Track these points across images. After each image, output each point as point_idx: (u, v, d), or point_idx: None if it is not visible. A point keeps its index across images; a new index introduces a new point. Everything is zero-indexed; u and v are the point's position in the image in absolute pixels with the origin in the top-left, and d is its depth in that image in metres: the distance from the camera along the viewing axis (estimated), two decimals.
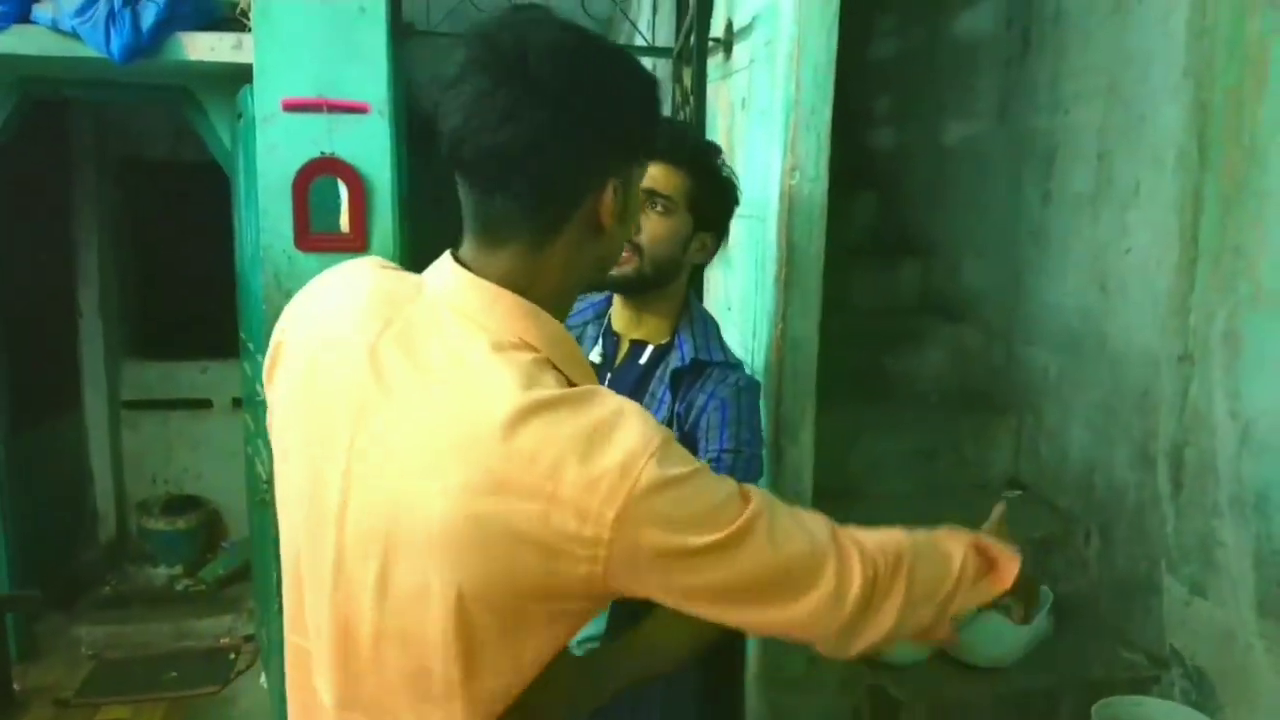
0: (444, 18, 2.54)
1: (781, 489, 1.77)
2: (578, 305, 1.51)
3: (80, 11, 2.49)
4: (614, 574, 0.76)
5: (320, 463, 0.83)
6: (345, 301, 0.88)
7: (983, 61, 2.81)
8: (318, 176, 2.48)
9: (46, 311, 4.20)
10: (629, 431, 0.76)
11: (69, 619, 3.84)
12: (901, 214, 3.29)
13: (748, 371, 1.49)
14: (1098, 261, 2.26)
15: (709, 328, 1.48)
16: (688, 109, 2.33)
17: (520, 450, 0.74)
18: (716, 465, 1.31)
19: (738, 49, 2.10)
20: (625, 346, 1.48)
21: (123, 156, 4.41)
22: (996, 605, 1.03)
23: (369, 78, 2.47)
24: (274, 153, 2.47)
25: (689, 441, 1.35)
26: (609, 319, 1.52)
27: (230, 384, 4.21)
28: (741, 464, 1.34)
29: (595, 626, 1.35)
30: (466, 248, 0.87)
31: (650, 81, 0.90)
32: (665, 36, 2.85)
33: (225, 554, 4.42)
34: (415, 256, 2.60)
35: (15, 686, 3.19)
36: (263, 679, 3.42)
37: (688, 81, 2.33)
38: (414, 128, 2.71)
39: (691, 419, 1.37)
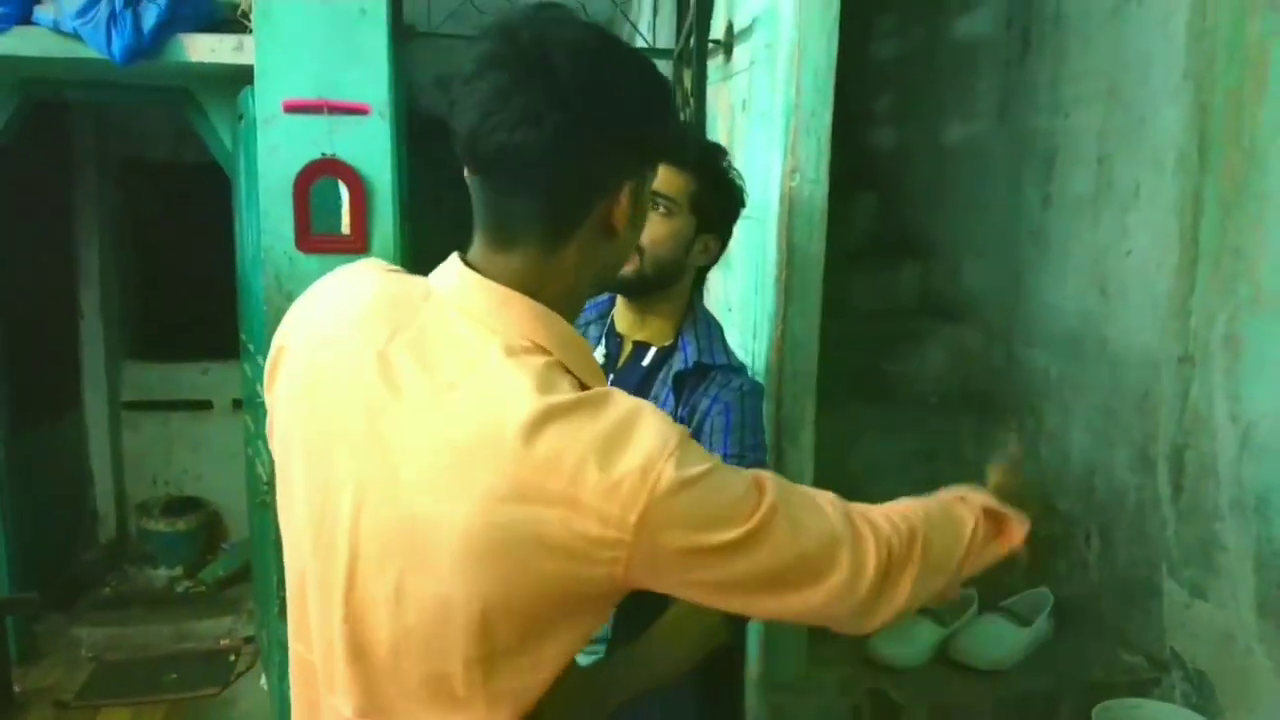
0: (445, 19, 2.54)
1: None
2: None
3: (81, 13, 2.49)
4: (634, 574, 0.76)
5: (328, 471, 0.82)
6: (349, 306, 0.87)
7: (982, 63, 2.81)
8: (318, 178, 2.48)
9: (47, 312, 4.21)
10: (647, 432, 0.76)
11: (69, 620, 3.84)
12: (901, 215, 3.29)
13: (750, 374, 1.49)
14: (1098, 263, 2.26)
15: (713, 331, 1.47)
16: (688, 111, 2.33)
17: (540, 457, 0.73)
18: None
19: (738, 51, 2.10)
20: (628, 348, 1.48)
21: (124, 158, 4.42)
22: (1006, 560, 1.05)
23: (370, 79, 2.47)
24: (275, 154, 2.47)
25: None
26: (612, 319, 1.51)
27: (231, 385, 4.21)
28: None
29: (602, 629, 1.35)
30: (476, 249, 0.87)
31: (666, 85, 0.91)
32: (666, 38, 2.85)
33: (225, 555, 4.42)
34: (416, 258, 2.61)
35: (15, 688, 3.19)
36: (263, 681, 3.42)
37: (688, 83, 2.33)
38: (414, 129, 2.71)
39: (695, 423, 1.37)
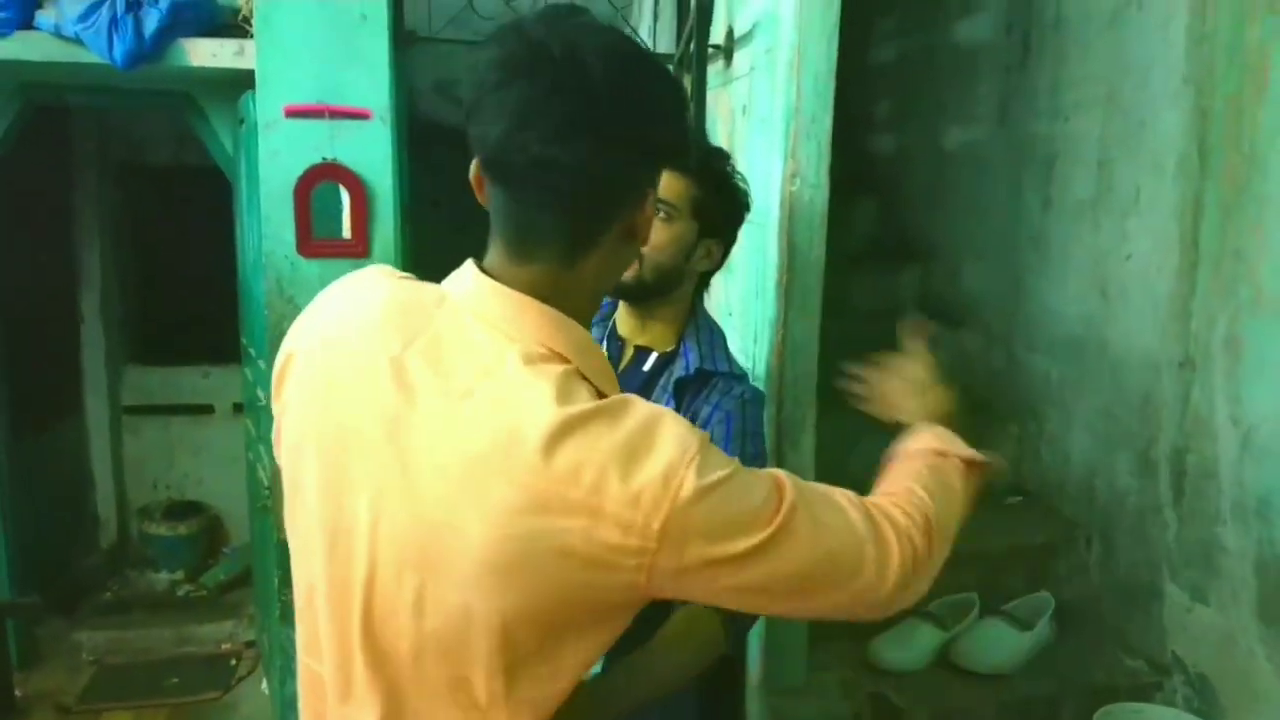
0: (445, 25, 2.54)
1: None
2: None
3: (83, 18, 2.50)
4: (656, 581, 0.76)
5: (344, 479, 0.81)
6: (360, 312, 0.86)
7: (983, 67, 2.81)
8: (319, 182, 2.48)
9: (48, 316, 4.21)
10: (667, 440, 0.75)
11: (70, 624, 3.83)
12: (902, 219, 3.30)
13: (751, 381, 1.49)
14: (1098, 267, 2.26)
15: (715, 337, 1.46)
16: (688, 116, 2.33)
17: (561, 469, 0.73)
18: None
19: (738, 56, 2.11)
20: (629, 352, 1.47)
21: (124, 162, 4.42)
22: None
23: (371, 84, 2.48)
24: (276, 158, 2.47)
25: None
26: (614, 323, 1.51)
27: (232, 389, 4.21)
28: None
29: None
30: (493, 257, 0.85)
31: (683, 89, 0.91)
32: (666, 43, 2.86)
33: (226, 559, 4.41)
34: (417, 262, 2.61)
35: (17, 692, 3.19)
36: (264, 685, 3.41)
37: (688, 88, 2.33)
38: (415, 134, 2.72)
39: None
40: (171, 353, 4.54)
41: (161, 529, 4.34)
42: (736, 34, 2.11)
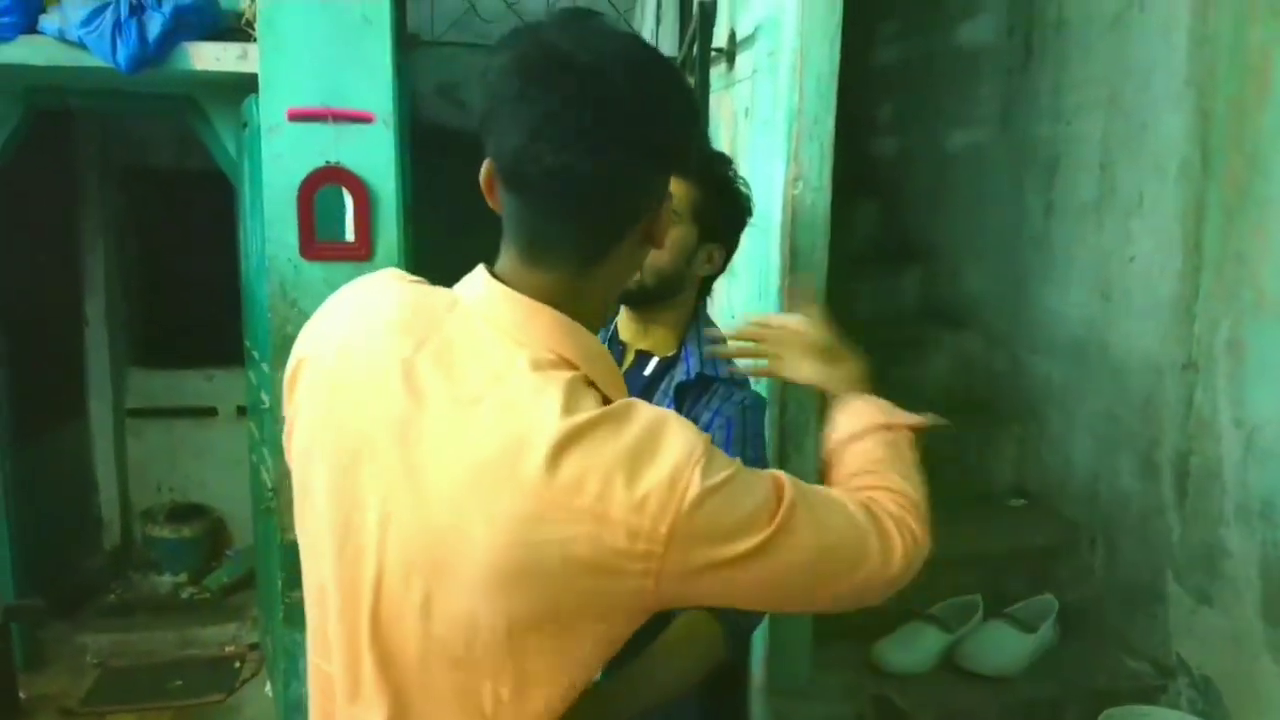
0: (448, 28, 2.55)
1: None
2: None
3: (87, 22, 2.51)
4: (665, 586, 0.76)
5: (353, 482, 0.81)
6: (371, 316, 0.86)
7: (985, 70, 2.81)
8: (323, 185, 2.49)
9: (52, 319, 4.22)
10: (672, 444, 0.76)
11: (74, 627, 3.84)
12: (904, 221, 3.30)
13: (752, 387, 1.49)
14: (1101, 270, 2.26)
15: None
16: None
17: (566, 478, 0.73)
18: None
19: (741, 59, 2.11)
20: (631, 356, 1.47)
21: (128, 165, 4.43)
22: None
23: (374, 88, 2.49)
24: (279, 162, 2.48)
25: None
26: (615, 327, 1.51)
27: (235, 392, 4.22)
28: None
29: None
30: (505, 262, 0.85)
31: (694, 94, 0.91)
32: (668, 46, 2.86)
33: (230, 562, 4.42)
34: (419, 264, 2.61)
35: (21, 695, 3.19)
36: (268, 688, 3.41)
37: None
38: (418, 137, 2.72)
39: None
40: (175, 356, 4.55)
41: (165, 531, 4.35)
42: (739, 37, 2.12)
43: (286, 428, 0.92)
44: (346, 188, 2.50)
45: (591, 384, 0.81)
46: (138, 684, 3.55)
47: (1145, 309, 2.11)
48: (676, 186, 1.37)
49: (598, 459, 0.73)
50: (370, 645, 0.82)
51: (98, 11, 2.50)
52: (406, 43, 2.53)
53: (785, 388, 1.77)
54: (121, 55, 2.51)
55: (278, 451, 2.63)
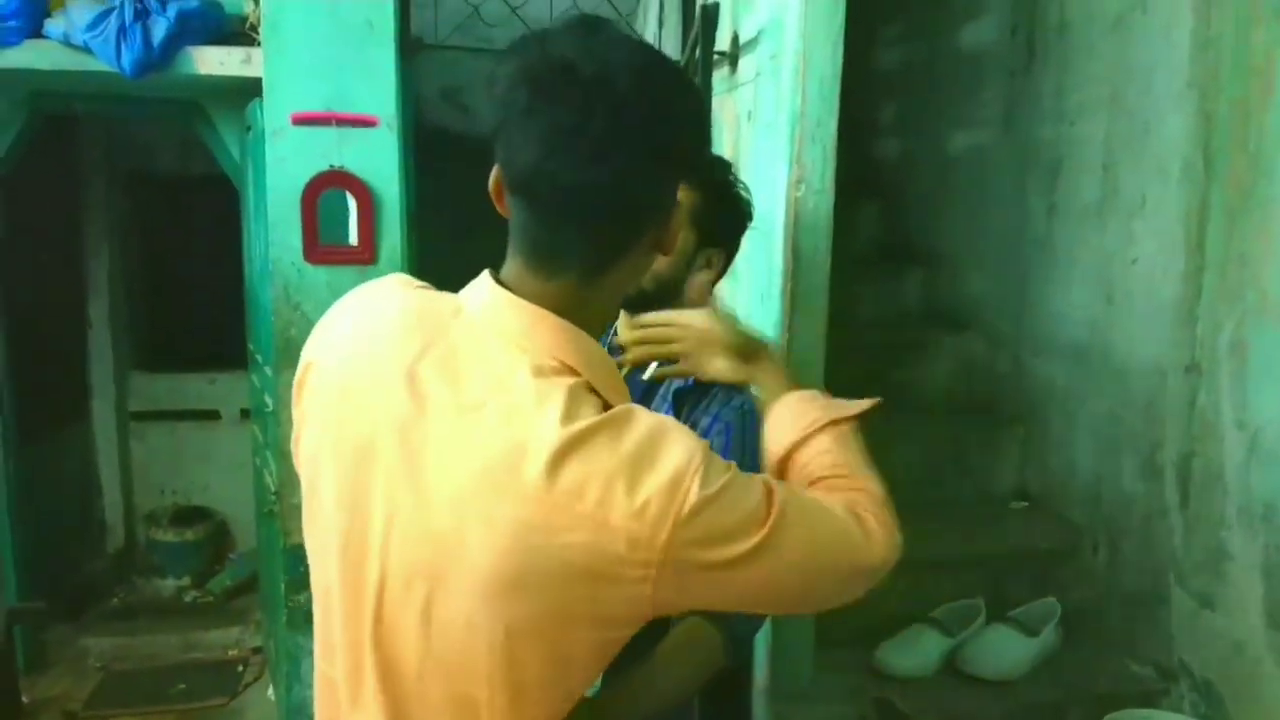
0: (452, 32, 2.56)
1: None
2: None
3: (92, 26, 2.51)
4: (661, 593, 0.76)
5: (358, 489, 0.81)
6: (376, 322, 0.86)
7: (987, 72, 2.81)
8: (326, 189, 2.50)
9: (55, 323, 4.23)
10: (673, 450, 0.76)
11: (77, 630, 3.85)
12: (906, 223, 3.30)
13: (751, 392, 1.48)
14: (1104, 272, 2.26)
15: None
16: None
17: (566, 486, 0.73)
18: None
19: (743, 62, 2.11)
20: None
21: (132, 169, 4.44)
22: None
23: (377, 92, 2.49)
24: (283, 166, 2.48)
25: None
26: (614, 331, 1.51)
27: (238, 395, 4.23)
28: None
29: None
30: (511, 270, 0.85)
31: (702, 97, 0.90)
32: (671, 49, 2.86)
33: (233, 565, 4.43)
34: (423, 268, 2.62)
35: (24, 698, 3.19)
36: (270, 691, 3.41)
37: None
38: (422, 141, 2.73)
39: None
40: (178, 359, 4.56)
41: (168, 535, 4.36)
42: (742, 40, 2.12)
43: (294, 433, 0.92)
44: (350, 191, 2.50)
45: (594, 390, 0.81)
46: (140, 687, 3.55)
47: (1148, 311, 2.11)
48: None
49: (598, 465, 0.74)
50: (372, 650, 0.82)
51: (102, 16, 2.51)
52: (410, 46, 2.53)
53: None
54: (126, 60, 2.51)
55: (281, 455, 2.64)
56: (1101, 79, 2.27)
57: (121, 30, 2.51)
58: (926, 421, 2.70)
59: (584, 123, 0.75)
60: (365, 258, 2.53)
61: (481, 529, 0.74)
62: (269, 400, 2.83)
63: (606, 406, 0.80)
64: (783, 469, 1.02)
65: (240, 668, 3.70)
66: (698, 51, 2.26)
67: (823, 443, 1.00)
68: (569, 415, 0.75)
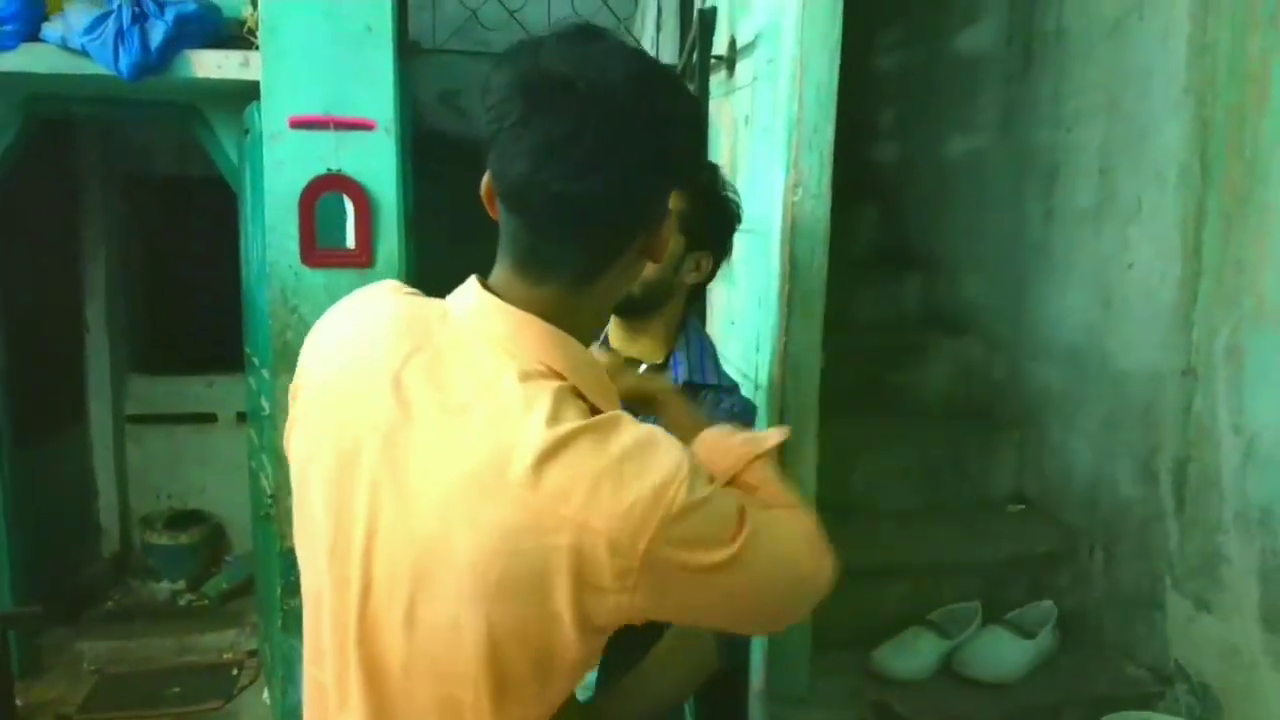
0: (450, 36, 2.56)
1: None
2: None
3: (89, 30, 2.51)
4: (640, 599, 0.76)
5: (345, 493, 0.82)
6: (367, 328, 0.87)
7: (985, 77, 2.82)
8: (324, 193, 2.50)
9: (53, 326, 4.22)
10: (660, 458, 0.76)
11: (72, 634, 3.83)
12: (904, 227, 3.30)
13: (747, 391, 1.49)
14: (1100, 277, 2.27)
15: (705, 350, 1.46)
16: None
17: (550, 491, 0.73)
18: None
19: (741, 66, 2.12)
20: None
21: (129, 172, 4.44)
22: None
23: (375, 95, 2.49)
24: (281, 169, 2.48)
25: None
26: (605, 335, 1.51)
27: (235, 398, 4.22)
28: None
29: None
30: (500, 276, 0.85)
31: (699, 104, 0.90)
32: (669, 53, 2.87)
33: (229, 569, 4.42)
34: (420, 272, 2.62)
35: (18, 702, 3.18)
36: (266, 695, 3.41)
37: None
38: (419, 144, 2.73)
39: None
40: (175, 362, 4.55)
41: (164, 538, 4.35)
42: (739, 44, 2.12)
43: (286, 436, 0.93)
44: (348, 195, 2.50)
45: (580, 395, 0.81)
46: (136, 691, 3.54)
47: (1145, 316, 2.11)
48: None
49: (583, 470, 0.74)
50: (356, 652, 0.82)
51: (100, 19, 2.51)
52: (408, 50, 2.54)
53: (784, 393, 1.77)
54: (124, 63, 2.51)
55: (277, 458, 2.64)
56: (1098, 84, 2.28)
57: (119, 33, 2.51)
58: (924, 425, 2.71)
59: (578, 132, 0.75)
60: (363, 261, 2.53)
61: (467, 532, 0.74)
62: (265, 403, 2.82)
63: (594, 412, 0.80)
64: None
65: (235, 671, 3.69)
66: (695, 55, 2.27)
67: (753, 477, 0.96)
68: (555, 418, 0.75)
